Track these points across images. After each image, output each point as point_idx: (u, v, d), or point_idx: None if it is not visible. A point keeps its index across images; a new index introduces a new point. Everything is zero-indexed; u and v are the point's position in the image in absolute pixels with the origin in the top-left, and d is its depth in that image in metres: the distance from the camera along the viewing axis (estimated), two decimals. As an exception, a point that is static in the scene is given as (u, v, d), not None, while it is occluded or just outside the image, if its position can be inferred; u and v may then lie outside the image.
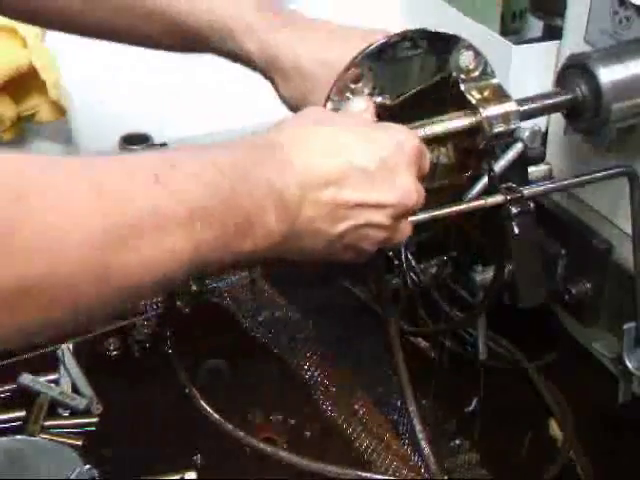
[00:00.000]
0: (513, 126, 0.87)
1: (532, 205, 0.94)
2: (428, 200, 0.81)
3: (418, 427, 0.94)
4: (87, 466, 0.90)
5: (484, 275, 1.01)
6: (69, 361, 1.04)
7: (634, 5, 0.92)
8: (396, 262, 1.06)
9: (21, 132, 1.25)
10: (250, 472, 0.94)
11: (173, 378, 1.03)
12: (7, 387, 1.02)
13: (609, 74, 0.89)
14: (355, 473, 0.93)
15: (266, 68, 0.88)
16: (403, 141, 0.74)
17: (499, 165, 1.03)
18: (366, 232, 0.73)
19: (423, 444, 0.93)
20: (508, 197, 0.91)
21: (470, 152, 0.90)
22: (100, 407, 1.00)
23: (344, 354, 1.09)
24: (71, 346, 1.05)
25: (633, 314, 0.97)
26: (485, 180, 0.99)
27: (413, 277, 1.08)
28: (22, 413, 0.99)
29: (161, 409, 1.01)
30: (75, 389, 1.02)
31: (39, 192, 0.53)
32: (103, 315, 0.60)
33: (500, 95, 0.87)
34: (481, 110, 0.85)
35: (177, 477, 0.92)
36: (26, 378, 1.02)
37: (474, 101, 0.86)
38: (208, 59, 0.94)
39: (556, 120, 1.06)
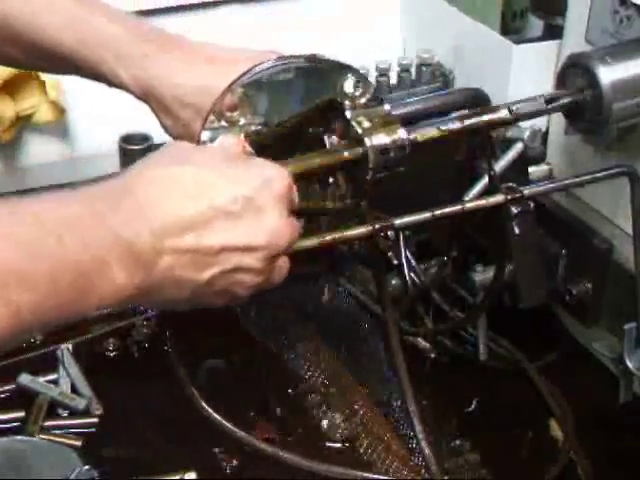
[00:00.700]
0: (401, 154, 0.81)
1: (532, 205, 0.94)
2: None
3: (418, 427, 0.94)
4: (86, 466, 0.90)
5: (484, 275, 1.01)
6: (68, 361, 1.04)
7: (635, 4, 0.92)
8: (396, 262, 1.06)
9: (20, 132, 1.25)
10: (250, 472, 0.94)
11: (173, 378, 1.03)
12: (6, 387, 1.02)
13: (610, 73, 0.89)
14: (355, 473, 0.93)
15: (143, 97, 0.84)
16: (271, 178, 0.69)
17: (499, 165, 1.03)
18: (237, 277, 0.68)
19: (423, 444, 0.93)
20: (508, 197, 0.91)
21: (361, 181, 0.83)
22: (100, 407, 1.00)
23: (344, 354, 1.09)
24: (70, 346, 1.05)
25: (634, 314, 0.97)
26: (485, 180, 0.99)
27: (413, 277, 1.08)
28: (21, 413, 0.98)
29: (161, 409, 1.01)
30: (74, 389, 1.02)
31: None
32: None
33: (389, 123, 0.82)
34: (366, 140, 0.80)
35: (177, 477, 0.92)
36: (25, 378, 1.01)
37: (360, 130, 0.80)
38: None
39: (556, 120, 1.06)
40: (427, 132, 0.84)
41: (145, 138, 1.22)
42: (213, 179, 0.67)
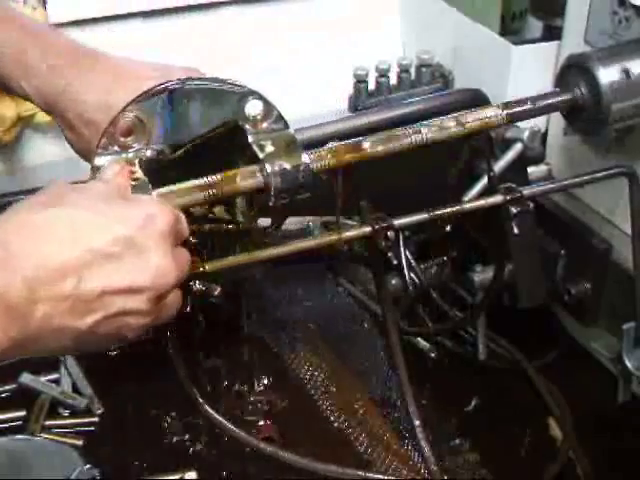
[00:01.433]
0: (303, 180, 0.79)
1: (532, 205, 0.94)
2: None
3: (418, 427, 0.94)
4: (87, 466, 0.91)
5: (484, 275, 1.02)
6: (70, 361, 1.04)
7: (634, 5, 0.92)
8: (396, 262, 1.06)
9: (21, 133, 1.25)
10: (250, 472, 0.94)
11: (173, 378, 1.03)
12: (8, 387, 1.02)
13: (608, 74, 0.89)
14: (355, 473, 0.94)
15: (48, 111, 0.83)
16: (152, 216, 0.66)
17: (499, 165, 1.03)
18: (122, 320, 0.65)
19: (423, 444, 0.93)
20: (508, 197, 0.91)
21: (265, 205, 0.81)
22: (100, 407, 1.00)
23: (344, 354, 1.09)
24: (71, 346, 1.05)
25: (632, 314, 0.97)
26: (485, 180, 0.99)
27: (413, 277, 1.08)
28: (23, 413, 0.99)
29: (160, 409, 1.01)
30: (75, 389, 1.02)
31: None
32: None
33: (292, 148, 0.80)
34: (267, 165, 0.78)
35: (177, 477, 0.92)
36: (27, 378, 1.02)
37: (261, 155, 0.79)
38: (207, 60, 0.94)
39: (556, 120, 1.06)
40: (328, 162, 0.82)
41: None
42: (90, 221, 0.64)
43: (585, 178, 0.97)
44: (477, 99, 1.12)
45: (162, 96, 0.78)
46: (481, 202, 0.91)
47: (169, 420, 1.00)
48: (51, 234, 0.62)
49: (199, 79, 0.80)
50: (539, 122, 1.04)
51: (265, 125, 0.81)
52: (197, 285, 1.08)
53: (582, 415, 1.01)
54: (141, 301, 0.65)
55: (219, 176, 0.77)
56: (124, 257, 0.64)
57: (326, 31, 1.36)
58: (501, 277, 0.96)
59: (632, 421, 1.00)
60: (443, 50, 1.30)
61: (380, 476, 0.94)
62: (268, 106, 0.81)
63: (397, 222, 0.88)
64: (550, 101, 0.91)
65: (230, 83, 0.81)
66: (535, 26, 1.17)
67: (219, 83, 0.80)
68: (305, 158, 0.79)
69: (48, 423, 0.98)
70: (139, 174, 0.75)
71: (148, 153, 0.79)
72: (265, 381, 1.05)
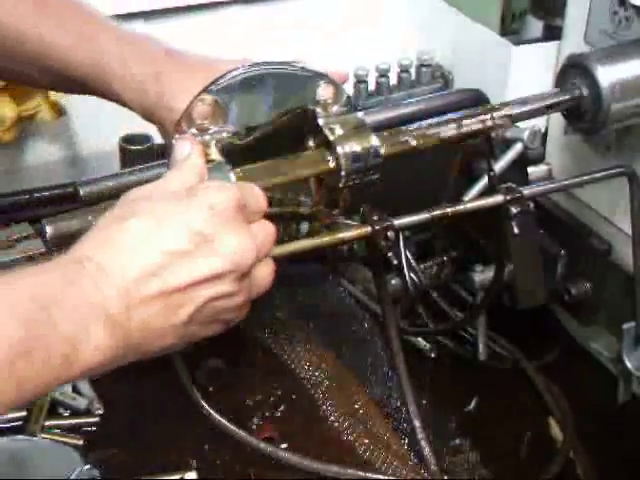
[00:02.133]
0: (374, 162, 0.81)
1: (532, 205, 0.94)
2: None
3: (418, 427, 0.94)
4: (87, 466, 0.90)
5: (484, 275, 1.02)
6: (69, 361, 1.04)
7: (634, 6, 0.92)
8: (396, 262, 1.06)
9: (21, 132, 1.25)
10: (250, 472, 0.94)
11: (173, 378, 1.03)
12: (8, 387, 1.02)
13: (609, 74, 0.89)
14: (355, 473, 0.94)
15: (149, 120, 0.86)
16: (214, 204, 0.68)
17: (499, 165, 1.03)
18: (217, 305, 0.69)
19: (423, 444, 0.93)
20: (508, 197, 0.91)
21: (334, 188, 0.83)
22: (101, 407, 1.00)
23: (344, 354, 1.09)
24: (71, 346, 1.05)
25: (632, 314, 0.97)
26: (485, 180, 0.99)
27: (413, 277, 1.08)
28: (23, 413, 0.98)
29: (161, 409, 1.01)
30: (76, 389, 1.02)
31: None
32: None
33: (361, 130, 0.81)
34: (338, 147, 0.80)
35: (177, 477, 0.92)
36: (27, 378, 1.02)
37: (332, 137, 0.80)
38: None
39: (556, 120, 1.06)
40: (400, 143, 0.84)
41: (146, 139, 1.21)
42: (158, 225, 0.67)
43: (585, 178, 0.97)
44: (477, 99, 1.12)
45: (238, 80, 0.80)
46: (481, 202, 0.91)
47: (169, 420, 1.00)
48: (128, 245, 0.66)
49: (272, 63, 0.82)
50: (539, 122, 1.04)
51: (335, 108, 0.83)
52: None
53: (582, 415, 1.01)
54: (226, 284, 0.68)
55: (292, 157, 0.80)
56: (198, 250, 0.67)
57: (326, 31, 1.36)
58: (501, 277, 0.96)
59: (632, 421, 1.00)
60: (443, 50, 1.30)
61: (380, 476, 0.94)
62: (338, 90, 0.83)
63: (397, 222, 0.88)
64: (550, 101, 0.91)
65: (302, 67, 0.83)
66: (535, 26, 1.17)
67: (291, 67, 0.82)
68: (375, 140, 0.81)
69: (48, 423, 0.98)
70: (216, 155, 0.78)
71: (224, 135, 0.81)
72: (265, 381, 1.05)
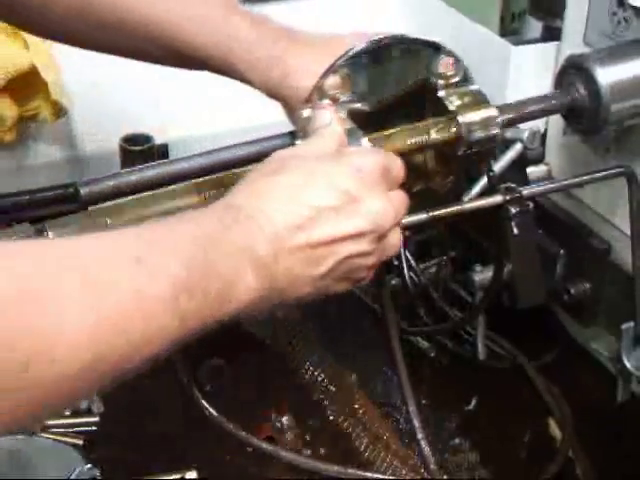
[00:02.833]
0: (493, 132, 0.85)
1: (531, 205, 0.94)
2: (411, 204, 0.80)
3: (418, 427, 0.94)
4: (88, 465, 0.91)
5: (483, 275, 1.02)
6: (70, 361, 1.04)
7: (633, 6, 0.92)
8: (396, 262, 1.06)
9: (22, 133, 1.25)
10: (250, 472, 0.94)
11: (173, 378, 1.03)
12: (8, 387, 1.02)
13: (608, 75, 0.89)
14: (355, 473, 0.94)
15: (273, 97, 0.89)
16: (361, 166, 0.73)
17: (498, 165, 1.03)
18: (353, 263, 0.72)
19: (423, 444, 0.93)
20: (507, 197, 0.91)
21: (451, 158, 0.88)
22: (101, 406, 1.00)
23: (344, 354, 1.09)
24: (72, 346, 1.05)
25: (632, 314, 0.97)
26: (485, 180, 0.99)
27: (413, 277, 1.09)
28: (23, 413, 0.99)
29: (161, 409, 1.01)
30: (76, 389, 1.02)
31: (32, 299, 0.54)
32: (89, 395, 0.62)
33: (479, 101, 0.86)
34: (459, 117, 0.84)
35: (177, 477, 0.92)
36: (27, 378, 1.02)
37: (452, 107, 0.85)
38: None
39: (555, 121, 1.06)
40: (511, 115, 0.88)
41: (146, 139, 1.22)
42: (306, 181, 0.71)
43: (584, 178, 0.97)
44: (477, 99, 1.12)
45: (361, 54, 0.84)
46: (481, 202, 0.91)
47: (169, 420, 1.00)
48: (277, 197, 0.70)
49: (395, 37, 0.86)
50: (538, 122, 1.04)
51: (455, 80, 0.87)
52: None
53: (582, 415, 1.01)
54: (365, 243, 0.72)
55: (419, 124, 0.84)
56: (343, 208, 0.70)
57: (325, 30, 1.36)
58: (501, 277, 0.96)
59: (631, 420, 1.00)
60: (443, 50, 1.30)
61: (380, 476, 0.94)
62: (458, 62, 0.87)
63: (397, 222, 0.88)
64: (550, 102, 0.91)
65: (422, 40, 0.86)
66: (534, 27, 1.17)
67: (412, 40, 0.86)
68: (493, 111, 0.85)
69: (48, 423, 0.98)
70: (348, 123, 0.81)
71: (353, 105, 0.85)
72: (265, 381, 1.05)
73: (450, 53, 0.86)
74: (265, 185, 0.71)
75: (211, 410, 1.00)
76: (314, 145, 0.77)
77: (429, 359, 1.10)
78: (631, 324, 0.97)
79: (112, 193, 0.99)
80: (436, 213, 0.88)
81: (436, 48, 0.86)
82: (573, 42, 1.01)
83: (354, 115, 0.84)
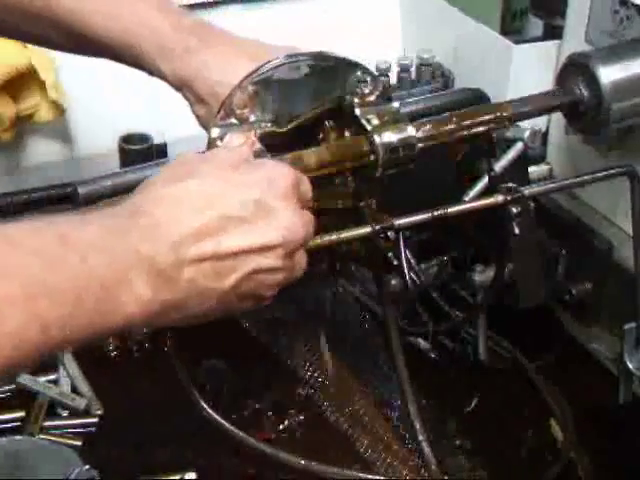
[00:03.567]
0: (408, 152, 0.82)
1: (532, 205, 0.94)
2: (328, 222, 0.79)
3: (418, 427, 0.94)
4: (86, 466, 0.90)
5: (484, 275, 1.01)
6: (68, 361, 1.04)
7: (635, 5, 0.92)
8: (396, 262, 1.06)
9: (20, 132, 1.25)
10: (249, 473, 0.94)
11: (173, 378, 1.03)
12: (6, 387, 1.02)
13: (609, 74, 0.89)
14: (355, 473, 0.93)
15: (180, 89, 0.86)
16: (275, 177, 0.71)
17: (499, 165, 1.03)
18: (259, 278, 0.70)
19: (423, 444, 0.93)
20: (508, 197, 0.91)
21: (371, 179, 0.84)
22: (100, 407, 1.00)
23: (344, 354, 1.09)
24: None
25: (633, 314, 0.97)
26: (485, 180, 0.99)
27: (413, 277, 1.08)
28: (22, 413, 0.99)
29: (161, 409, 1.01)
30: (74, 389, 1.02)
31: None
32: None
33: (398, 121, 0.83)
34: (375, 137, 0.81)
35: (177, 477, 0.92)
36: (25, 378, 1.01)
37: (369, 127, 0.82)
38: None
39: (556, 120, 1.06)
40: (435, 130, 0.85)
41: (145, 138, 1.22)
42: (219, 189, 0.68)
43: (586, 178, 0.96)
44: (477, 99, 1.12)
45: (276, 70, 0.81)
46: (482, 202, 0.91)
47: (169, 420, 0.99)
48: (187, 204, 0.67)
49: (309, 54, 0.83)
50: (540, 122, 1.04)
51: (372, 99, 0.84)
52: None
53: (583, 415, 1.01)
54: (274, 258, 0.70)
55: (330, 145, 0.82)
56: (255, 218, 0.68)
57: (326, 31, 1.36)
58: (501, 277, 0.95)
59: (633, 421, 1.00)
60: (443, 50, 1.30)
61: (380, 477, 0.94)
62: (375, 80, 0.84)
63: (397, 222, 0.87)
64: (551, 101, 0.91)
65: (338, 58, 0.83)
66: (536, 25, 1.17)
67: (328, 58, 0.83)
68: (411, 130, 0.82)
69: (47, 424, 0.98)
70: (257, 144, 0.79)
71: (262, 125, 0.82)
72: (265, 381, 1.05)
73: (366, 71, 0.84)
74: (175, 190, 0.68)
75: (210, 411, 0.99)
76: (224, 154, 0.74)
77: (429, 359, 1.10)
78: (633, 325, 0.97)
79: (110, 193, 0.99)
80: (437, 213, 0.87)
81: (354, 66, 0.83)
82: (574, 40, 1.01)
83: (266, 135, 0.81)
